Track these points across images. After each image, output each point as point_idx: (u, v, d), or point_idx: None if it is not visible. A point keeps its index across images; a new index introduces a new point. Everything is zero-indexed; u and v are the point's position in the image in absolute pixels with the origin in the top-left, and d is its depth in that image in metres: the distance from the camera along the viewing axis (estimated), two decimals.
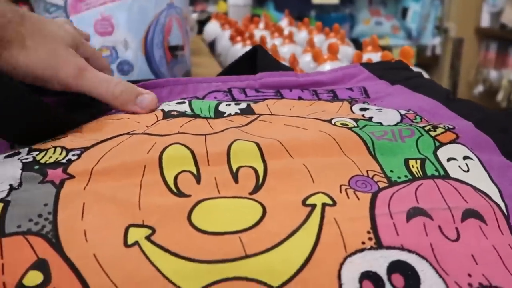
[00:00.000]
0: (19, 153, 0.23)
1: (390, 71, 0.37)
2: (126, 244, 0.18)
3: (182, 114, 0.28)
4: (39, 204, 0.19)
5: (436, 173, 0.23)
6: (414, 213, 0.20)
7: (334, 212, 0.20)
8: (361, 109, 0.30)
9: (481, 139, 0.26)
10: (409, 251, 0.19)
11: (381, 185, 0.22)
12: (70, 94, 0.30)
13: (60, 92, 0.30)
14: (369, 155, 0.24)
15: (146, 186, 0.21)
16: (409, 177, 0.22)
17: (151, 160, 0.22)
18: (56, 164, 0.22)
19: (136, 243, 0.18)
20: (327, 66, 0.60)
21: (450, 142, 0.25)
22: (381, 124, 0.27)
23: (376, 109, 0.30)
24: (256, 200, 0.20)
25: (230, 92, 0.33)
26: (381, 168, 0.23)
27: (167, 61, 0.54)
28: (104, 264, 0.17)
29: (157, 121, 0.27)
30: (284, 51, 0.76)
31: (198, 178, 0.21)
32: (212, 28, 1.21)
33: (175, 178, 0.21)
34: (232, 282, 0.17)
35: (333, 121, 0.27)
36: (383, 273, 0.18)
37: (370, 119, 0.28)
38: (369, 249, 0.18)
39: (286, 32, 0.88)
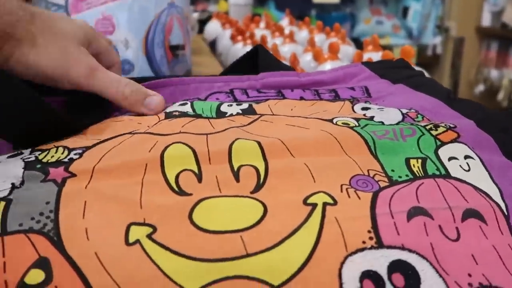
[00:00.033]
0: (21, 153, 0.24)
1: (391, 70, 0.37)
2: (127, 243, 0.18)
3: (184, 114, 0.28)
4: (41, 203, 0.20)
5: (437, 173, 0.23)
6: (414, 212, 0.20)
7: (335, 211, 0.20)
8: (363, 109, 0.30)
9: (482, 138, 0.26)
10: (410, 250, 0.19)
11: (382, 184, 0.22)
12: (77, 93, 0.30)
13: (68, 91, 0.30)
14: (370, 155, 0.24)
15: (148, 185, 0.21)
16: (410, 176, 0.22)
17: (152, 158, 0.22)
18: (58, 163, 0.22)
19: (138, 241, 0.18)
20: (327, 66, 0.60)
21: (451, 141, 0.25)
22: (382, 123, 0.27)
23: (378, 108, 0.30)
24: (257, 199, 0.20)
25: (232, 93, 0.33)
26: (382, 168, 0.23)
27: (168, 60, 0.54)
28: (105, 263, 0.18)
29: (159, 121, 0.27)
30: (285, 51, 0.76)
31: (199, 177, 0.21)
32: (213, 27, 1.21)
33: (177, 176, 0.21)
34: (232, 281, 0.17)
35: (334, 121, 0.27)
36: (383, 272, 0.18)
37: (371, 118, 0.28)
38: (370, 248, 0.18)
39: (286, 31, 0.88)
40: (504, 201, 0.22)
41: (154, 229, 0.19)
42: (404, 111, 0.29)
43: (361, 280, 0.18)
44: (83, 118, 0.28)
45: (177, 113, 0.28)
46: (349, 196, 0.21)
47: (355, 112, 0.30)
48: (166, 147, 0.23)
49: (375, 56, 0.61)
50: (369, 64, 0.38)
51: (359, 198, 0.21)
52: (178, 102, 0.31)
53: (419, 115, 0.29)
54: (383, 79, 0.35)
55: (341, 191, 0.21)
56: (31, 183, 0.21)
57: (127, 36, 0.50)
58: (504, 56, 2.26)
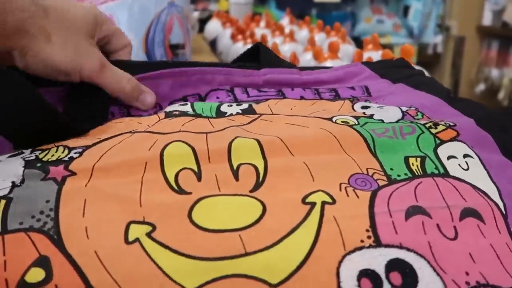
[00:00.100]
0: (22, 152, 0.24)
1: (391, 70, 0.37)
2: (127, 241, 0.18)
3: (183, 114, 0.28)
4: (41, 201, 0.20)
5: (436, 171, 0.23)
6: (413, 211, 0.20)
7: (334, 210, 0.20)
8: (363, 107, 0.30)
9: (481, 137, 0.26)
10: (408, 249, 0.19)
11: (381, 183, 0.22)
12: (74, 87, 0.31)
13: (63, 82, 0.30)
14: (369, 153, 0.24)
15: (147, 183, 0.21)
16: (409, 175, 0.22)
17: (152, 157, 0.22)
18: (58, 162, 0.22)
19: (137, 239, 0.18)
20: (327, 65, 0.60)
21: (450, 140, 0.25)
22: (382, 121, 0.27)
23: (378, 107, 0.30)
24: (256, 198, 0.20)
25: (232, 92, 0.33)
26: (381, 166, 0.23)
27: (168, 59, 0.54)
28: (105, 261, 0.18)
29: (159, 121, 0.28)
30: (285, 50, 0.76)
31: (199, 176, 0.21)
32: (213, 26, 1.21)
33: (176, 175, 0.21)
34: (231, 279, 0.17)
35: (334, 119, 0.27)
36: (381, 271, 0.18)
37: (371, 116, 0.28)
38: (368, 247, 0.19)
39: (287, 30, 0.88)
40: (502, 200, 0.22)
41: (154, 227, 0.19)
42: (404, 109, 0.29)
43: (359, 278, 0.18)
44: (82, 118, 0.28)
45: (177, 113, 0.28)
46: (347, 195, 0.21)
47: (354, 110, 0.30)
48: (165, 146, 0.23)
49: (375, 55, 0.61)
50: (369, 64, 0.38)
51: (357, 197, 0.21)
52: (178, 102, 0.31)
53: (419, 113, 0.29)
54: (383, 79, 0.36)
55: (340, 190, 0.21)
56: (31, 182, 0.21)
57: (127, 35, 0.50)
58: (504, 55, 2.26)
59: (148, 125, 0.27)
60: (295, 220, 0.19)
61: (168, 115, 0.28)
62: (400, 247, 0.19)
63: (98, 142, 0.24)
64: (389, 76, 0.36)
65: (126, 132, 0.25)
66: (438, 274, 0.18)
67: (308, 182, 0.21)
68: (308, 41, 0.73)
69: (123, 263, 0.18)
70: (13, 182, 0.21)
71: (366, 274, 0.18)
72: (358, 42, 0.89)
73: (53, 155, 0.23)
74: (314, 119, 0.27)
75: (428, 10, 2.53)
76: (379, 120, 0.27)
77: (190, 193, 0.20)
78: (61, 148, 0.23)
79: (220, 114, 0.29)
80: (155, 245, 0.18)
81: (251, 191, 0.21)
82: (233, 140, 0.23)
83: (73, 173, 0.21)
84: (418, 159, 0.23)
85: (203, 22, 1.48)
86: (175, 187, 0.21)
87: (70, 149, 0.23)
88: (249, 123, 0.27)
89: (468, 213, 0.21)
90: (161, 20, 0.52)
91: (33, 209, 0.19)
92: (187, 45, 0.58)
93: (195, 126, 0.26)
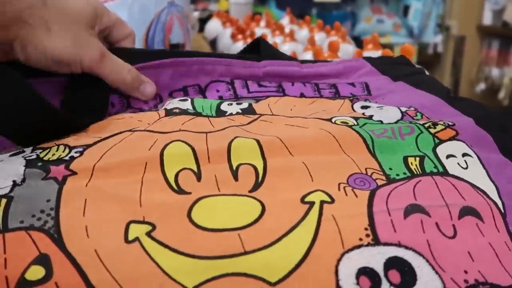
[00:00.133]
0: (23, 151, 0.24)
1: (392, 66, 0.37)
2: (126, 240, 0.18)
3: (184, 112, 0.28)
4: (42, 200, 0.20)
5: (435, 170, 0.23)
6: (411, 210, 0.20)
7: (332, 210, 0.20)
8: (362, 107, 0.30)
9: (480, 136, 0.26)
10: (406, 247, 0.19)
11: (380, 182, 0.22)
12: (74, 78, 0.31)
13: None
14: (368, 153, 0.24)
15: (147, 183, 0.21)
16: (408, 174, 0.22)
17: (152, 157, 0.22)
18: (59, 161, 0.22)
19: (137, 239, 0.18)
20: None
21: (449, 139, 0.25)
22: (381, 122, 0.27)
23: (377, 107, 0.30)
24: (255, 198, 0.20)
25: (232, 85, 0.33)
26: (380, 166, 0.23)
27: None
28: (105, 260, 0.18)
29: (159, 119, 0.28)
30: (285, 49, 0.76)
31: (198, 176, 0.22)
32: (214, 26, 1.21)
33: (176, 175, 0.21)
34: (230, 278, 0.18)
35: (333, 120, 0.27)
36: (379, 269, 0.18)
37: (370, 117, 0.28)
38: (367, 245, 0.19)
39: (287, 30, 0.88)
40: (501, 199, 0.22)
41: (153, 227, 0.19)
42: (403, 109, 0.29)
43: (358, 276, 0.18)
44: (81, 113, 0.28)
45: (177, 110, 0.28)
46: (346, 195, 0.21)
47: (354, 110, 0.30)
48: (166, 145, 0.23)
49: (375, 54, 0.61)
50: (370, 59, 0.38)
51: (356, 196, 0.21)
52: (177, 98, 0.31)
53: (418, 113, 0.29)
54: (384, 75, 0.35)
55: (339, 189, 0.21)
56: (32, 181, 0.21)
57: None
58: (505, 54, 2.25)
59: (149, 124, 0.27)
60: (294, 219, 0.19)
61: (169, 113, 0.28)
62: (399, 245, 0.19)
63: (98, 141, 0.24)
64: (389, 73, 0.35)
65: (127, 131, 0.25)
66: (436, 273, 0.18)
67: (307, 182, 0.21)
68: (308, 41, 0.73)
69: (123, 262, 0.18)
70: (14, 181, 0.21)
71: (365, 272, 0.18)
72: (358, 42, 0.89)
73: (53, 154, 0.23)
74: (314, 120, 0.27)
75: (428, 9, 2.53)
76: (378, 121, 0.27)
77: (190, 193, 0.21)
78: (61, 147, 0.24)
79: (220, 113, 0.29)
80: (154, 244, 0.18)
81: (250, 191, 0.21)
82: (232, 140, 0.23)
83: (74, 173, 0.21)
84: (417, 158, 0.24)
85: (203, 21, 1.48)
86: (175, 187, 0.21)
87: (71, 148, 0.23)
88: (249, 123, 0.27)
89: (467, 211, 0.21)
90: (161, 19, 0.52)
91: (34, 208, 0.19)
92: (187, 44, 0.58)
93: (195, 125, 0.26)
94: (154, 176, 0.21)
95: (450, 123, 0.26)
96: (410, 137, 0.25)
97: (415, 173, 0.23)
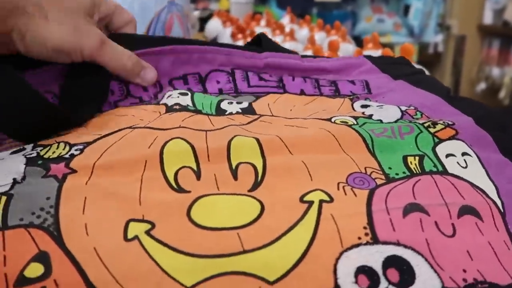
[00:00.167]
0: (24, 149, 0.24)
1: (392, 66, 0.37)
2: (126, 238, 0.18)
3: (184, 109, 0.28)
4: (42, 198, 0.20)
5: (435, 169, 0.23)
6: (410, 208, 0.20)
7: (331, 209, 0.20)
8: (362, 106, 0.30)
9: (480, 136, 0.26)
10: (405, 246, 0.19)
11: (379, 181, 0.22)
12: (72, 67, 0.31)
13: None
14: (368, 152, 0.24)
15: (147, 182, 0.21)
16: (407, 173, 0.22)
17: (152, 155, 0.22)
18: (59, 159, 0.22)
19: (136, 237, 0.18)
20: None
21: (449, 138, 0.25)
22: (381, 121, 0.27)
23: (377, 106, 0.30)
24: (254, 197, 0.20)
25: (233, 76, 0.33)
26: (379, 165, 0.23)
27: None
28: (104, 258, 0.18)
29: (159, 117, 0.28)
30: None
31: (198, 175, 0.22)
32: (214, 25, 1.22)
33: (176, 174, 0.21)
34: (229, 277, 0.18)
35: (333, 119, 0.27)
36: (378, 268, 0.18)
37: (370, 116, 0.28)
38: (365, 244, 0.19)
39: (287, 29, 0.88)
40: (500, 198, 0.22)
41: (153, 225, 0.19)
42: (403, 108, 0.29)
43: (356, 275, 0.18)
44: (81, 100, 0.28)
45: (177, 107, 0.28)
46: (345, 194, 0.21)
47: (354, 109, 0.30)
48: (165, 143, 0.23)
49: (375, 54, 0.61)
50: (370, 58, 0.38)
51: (355, 195, 0.21)
52: (178, 90, 0.31)
53: (418, 112, 0.29)
54: (384, 74, 0.35)
55: (338, 188, 0.21)
56: (32, 179, 0.21)
57: None
58: (505, 54, 2.25)
59: (149, 121, 0.27)
60: (293, 218, 0.19)
61: (169, 109, 0.28)
62: (398, 244, 0.19)
63: (99, 138, 0.24)
64: (389, 71, 0.35)
65: (127, 128, 0.25)
66: (435, 271, 0.18)
67: (306, 181, 0.21)
68: (308, 40, 0.73)
69: (122, 260, 0.18)
70: (14, 179, 0.21)
71: (363, 270, 0.18)
72: (359, 41, 0.89)
73: (54, 152, 0.23)
74: (314, 121, 0.27)
75: (428, 9, 2.53)
76: (378, 120, 0.27)
77: (189, 191, 0.21)
78: (62, 145, 0.24)
79: (220, 111, 0.29)
80: (154, 242, 0.18)
81: (249, 191, 0.21)
82: (232, 138, 0.23)
83: (74, 171, 0.21)
84: (417, 157, 0.24)
85: (203, 21, 1.48)
86: (175, 186, 0.21)
87: (71, 146, 0.23)
88: (248, 123, 0.27)
89: (466, 210, 0.21)
90: (161, 19, 0.52)
91: (34, 205, 0.19)
92: None
93: (195, 123, 0.26)
94: (153, 174, 0.21)
95: (449, 123, 0.26)
96: (410, 136, 0.25)
97: (415, 172, 0.23)
